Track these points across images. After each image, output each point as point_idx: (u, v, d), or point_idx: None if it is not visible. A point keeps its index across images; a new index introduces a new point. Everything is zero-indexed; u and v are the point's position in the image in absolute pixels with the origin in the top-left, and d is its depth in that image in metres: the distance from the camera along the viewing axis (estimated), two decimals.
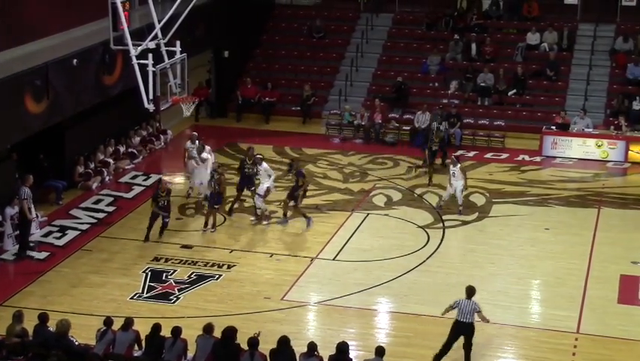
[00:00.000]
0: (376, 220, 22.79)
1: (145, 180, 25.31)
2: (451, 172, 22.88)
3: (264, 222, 22.24)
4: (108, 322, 14.72)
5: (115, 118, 26.28)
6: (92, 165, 24.88)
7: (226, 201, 22.60)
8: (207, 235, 21.59)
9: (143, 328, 14.87)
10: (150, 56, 19.96)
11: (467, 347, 15.79)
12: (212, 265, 20.01)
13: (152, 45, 20.27)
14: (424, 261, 20.38)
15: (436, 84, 31.41)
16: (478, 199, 23.97)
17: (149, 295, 18.67)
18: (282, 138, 28.85)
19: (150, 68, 19.91)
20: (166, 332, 14.59)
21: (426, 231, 22.03)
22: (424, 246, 21.17)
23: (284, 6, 34.72)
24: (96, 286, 19.01)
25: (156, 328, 14.61)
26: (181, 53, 20.74)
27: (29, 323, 14.81)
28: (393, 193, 24.53)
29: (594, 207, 23.73)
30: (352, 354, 14.62)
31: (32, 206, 20.67)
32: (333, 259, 20.52)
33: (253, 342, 14.07)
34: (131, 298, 18.48)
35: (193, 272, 19.65)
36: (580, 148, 27.68)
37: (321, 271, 19.93)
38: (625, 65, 30.39)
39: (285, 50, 33.22)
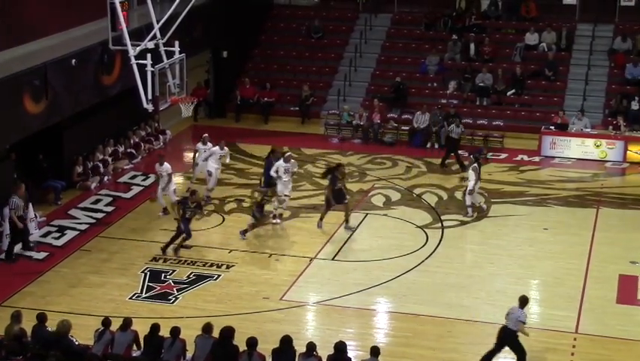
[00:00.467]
0: (375, 220, 22.78)
1: (144, 180, 25.29)
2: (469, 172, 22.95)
3: (276, 221, 22.28)
4: (106, 322, 14.71)
5: (114, 118, 26.28)
6: (91, 165, 24.87)
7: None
8: (206, 236, 21.55)
9: (141, 328, 14.86)
10: (149, 56, 19.99)
11: (515, 353, 15.80)
12: (211, 266, 20.00)
13: (150, 45, 20.31)
14: (423, 261, 20.36)
15: (435, 84, 31.39)
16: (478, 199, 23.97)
17: (147, 295, 18.66)
18: (280, 138, 28.78)
19: (149, 68, 19.94)
20: (165, 332, 14.58)
21: (425, 231, 22.02)
22: (423, 246, 21.15)
23: (282, 6, 34.70)
24: (95, 286, 19.00)
25: (155, 328, 14.60)
26: (180, 53, 20.78)
27: (28, 323, 14.79)
28: (392, 193, 24.52)
29: (593, 207, 23.73)
30: (351, 354, 14.62)
31: (24, 213, 20.27)
32: (332, 259, 20.52)
33: (251, 342, 14.06)
34: (130, 299, 18.47)
35: (192, 272, 19.63)
36: (578, 148, 27.67)
37: (320, 271, 19.92)
38: (623, 65, 30.38)
39: (284, 50, 33.22)
